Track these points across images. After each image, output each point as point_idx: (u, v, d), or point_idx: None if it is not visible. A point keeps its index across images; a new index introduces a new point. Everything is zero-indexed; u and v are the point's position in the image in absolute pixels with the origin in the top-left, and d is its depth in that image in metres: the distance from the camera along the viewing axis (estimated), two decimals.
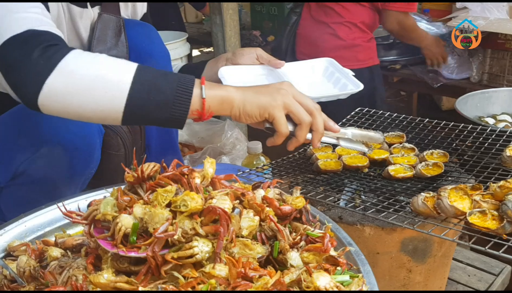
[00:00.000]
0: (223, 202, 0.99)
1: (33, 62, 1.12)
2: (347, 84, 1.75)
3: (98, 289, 0.93)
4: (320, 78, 1.90)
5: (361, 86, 1.69)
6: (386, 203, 1.35)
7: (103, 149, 1.61)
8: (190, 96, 1.17)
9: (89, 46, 1.64)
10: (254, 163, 2.13)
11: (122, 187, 1.09)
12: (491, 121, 2.75)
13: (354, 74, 1.80)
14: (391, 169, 1.52)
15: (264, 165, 1.77)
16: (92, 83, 1.12)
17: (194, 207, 0.96)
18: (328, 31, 3.02)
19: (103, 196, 1.11)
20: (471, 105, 2.79)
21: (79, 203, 1.32)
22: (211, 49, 5.90)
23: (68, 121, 1.50)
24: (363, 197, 1.50)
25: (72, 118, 1.19)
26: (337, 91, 1.75)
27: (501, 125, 2.67)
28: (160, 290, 0.89)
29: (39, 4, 1.27)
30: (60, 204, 1.17)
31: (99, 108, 1.14)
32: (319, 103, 1.73)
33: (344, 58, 2.84)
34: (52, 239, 1.23)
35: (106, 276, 0.90)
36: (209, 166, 1.09)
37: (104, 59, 1.18)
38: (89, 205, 1.11)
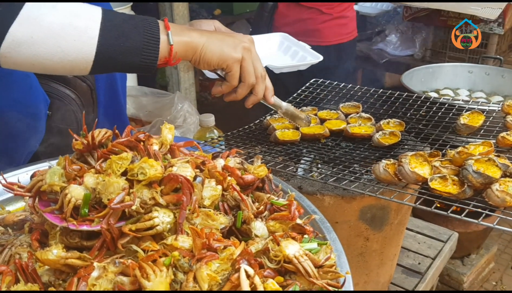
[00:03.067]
0: (184, 169, 0.92)
1: None
2: (305, 56, 1.75)
3: (46, 268, 0.84)
4: (276, 52, 1.89)
5: (320, 57, 1.69)
6: (346, 171, 1.33)
7: (53, 123, 1.48)
8: (157, 41, 1.11)
9: None
10: (207, 136, 2.07)
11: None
12: (434, 95, 2.83)
13: (310, 47, 1.80)
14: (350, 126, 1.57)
15: (219, 136, 1.70)
16: (60, 31, 1.01)
17: (154, 175, 0.88)
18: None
19: (48, 166, 1.00)
20: (416, 80, 2.85)
21: (19, 176, 1.20)
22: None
23: (10, 89, 1.35)
24: (320, 166, 1.48)
25: (36, 71, 1.07)
26: (297, 62, 1.74)
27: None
28: (117, 265, 0.81)
29: None
30: None
31: (67, 58, 1.03)
32: (281, 73, 1.72)
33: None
34: None
35: (55, 252, 0.81)
36: (168, 132, 1.01)
37: (66, 4, 1.06)
38: (32, 176, 1.00)
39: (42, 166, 1.25)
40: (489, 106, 1.68)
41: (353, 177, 1.29)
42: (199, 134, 2.12)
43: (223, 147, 1.61)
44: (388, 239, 1.51)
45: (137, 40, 1.08)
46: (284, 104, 1.50)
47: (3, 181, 0.99)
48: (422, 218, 2.19)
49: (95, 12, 1.07)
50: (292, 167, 1.40)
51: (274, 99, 1.43)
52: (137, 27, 1.09)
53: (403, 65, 3.83)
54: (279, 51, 1.89)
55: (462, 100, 2.13)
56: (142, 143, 0.97)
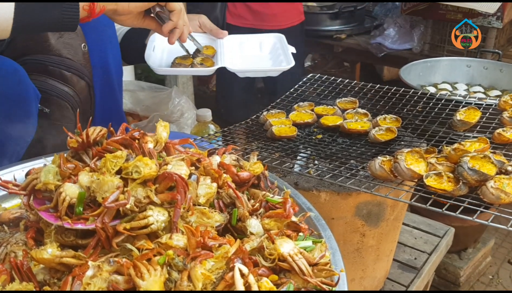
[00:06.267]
0: (179, 167, 0.92)
1: None
2: (281, 61, 1.72)
3: (41, 266, 0.85)
4: (267, 54, 1.85)
5: (292, 64, 1.66)
6: (342, 168, 1.33)
7: (52, 121, 1.48)
8: None
9: None
10: (204, 131, 2.06)
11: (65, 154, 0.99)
12: (432, 90, 2.82)
13: (295, 52, 1.76)
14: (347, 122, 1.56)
15: (216, 132, 1.70)
16: None
17: (148, 173, 0.88)
18: None
19: (43, 164, 1.00)
20: (414, 74, 2.84)
21: (15, 173, 1.20)
22: None
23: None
24: (316, 162, 1.48)
25: None
26: (267, 67, 1.70)
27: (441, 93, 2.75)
28: (112, 264, 0.81)
29: None
30: None
31: None
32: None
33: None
34: None
35: (50, 251, 0.81)
36: (162, 130, 1.01)
37: None
38: (27, 174, 1.00)
39: (38, 162, 1.25)
40: (486, 102, 1.68)
41: (349, 174, 1.29)
42: (196, 129, 2.11)
43: (220, 143, 1.61)
44: (384, 235, 1.51)
45: None
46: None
47: None
48: (418, 213, 2.20)
49: None
50: (289, 163, 1.40)
51: None
52: None
53: (402, 59, 3.82)
54: (270, 53, 1.85)
55: (460, 95, 2.13)
56: (137, 141, 0.97)
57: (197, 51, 1.69)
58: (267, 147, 1.52)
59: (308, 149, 1.53)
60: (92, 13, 1.14)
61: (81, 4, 1.12)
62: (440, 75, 2.97)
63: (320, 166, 1.41)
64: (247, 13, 3.24)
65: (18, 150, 1.47)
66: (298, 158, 1.50)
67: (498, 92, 2.73)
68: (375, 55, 4.04)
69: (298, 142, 1.55)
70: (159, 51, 1.74)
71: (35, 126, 1.47)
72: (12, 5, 1.04)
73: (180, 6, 1.44)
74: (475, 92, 2.76)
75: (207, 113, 2.07)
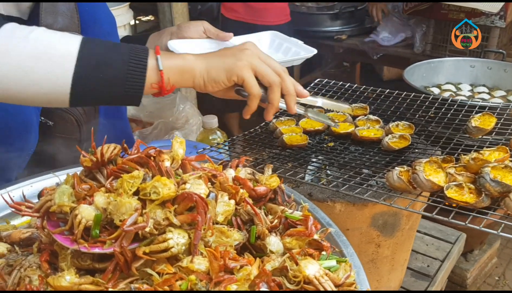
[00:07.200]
0: (198, 186, 0.89)
1: None
2: (298, 51, 1.70)
3: None
4: (267, 50, 1.85)
5: (314, 51, 1.64)
6: (358, 178, 1.30)
7: (56, 133, 1.44)
8: (144, 69, 1.04)
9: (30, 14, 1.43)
10: (210, 138, 2.03)
11: (77, 171, 0.95)
12: (436, 91, 2.80)
13: (303, 42, 1.76)
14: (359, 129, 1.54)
15: (225, 141, 1.67)
16: (31, 63, 0.96)
17: (167, 194, 0.84)
18: None
19: (55, 183, 0.97)
20: (417, 75, 2.82)
21: (23, 189, 1.16)
22: (150, 17, 5.61)
23: None
24: (328, 172, 1.45)
25: (13, 103, 1.03)
26: (290, 57, 1.70)
27: (446, 94, 2.73)
28: (133, 290, 0.78)
29: None
30: (3, 191, 1.02)
31: (41, 91, 0.98)
32: None
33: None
34: None
35: (68, 278, 0.78)
36: (178, 146, 0.98)
37: (41, 33, 1.00)
38: (39, 195, 0.96)
39: (47, 177, 1.22)
40: (500, 106, 1.65)
41: (365, 185, 1.26)
42: (202, 136, 2.08)
43: (228, 151, 1.57)
44: (399, 245, 1.49)
45: (121, 69, 1.02)
46: (319, 98, 1.37)
47: (8, 199, 0.95)
48: (428, 218, 2.17)
49: (73, 42, 1.01)
50: (302, 174, 1.37)
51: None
52: (121, 55, 1.03)
53: (403, 59, 3.80)
54: (270, 49, 1.86)
55: (471, 99, 2.10)
56: (152, 158, 0.94)
57: None
58: (278, 156, 1.49)
59: (320, 157, 1.50)
60: (163, 91, 1.08)
61: (149, 80, 1.05)
62: (444, 76, 2.94)
63: (334, 176, 1.38)
64: (240, 7, 3.39)
65: (19, 164, 1.44)
66: (311, 167, 1.47)
67: (502, 93, 2.72)
68: (372, 56, 4.01)
69: (310, 151, 1.52)
70: None
71: (36, 138, 1.44)
72: (69, 80, 0.98)
73: (270, 81, 1.16)
74: (479, 92, 2.74)
75: (213, 120, 2.04)
